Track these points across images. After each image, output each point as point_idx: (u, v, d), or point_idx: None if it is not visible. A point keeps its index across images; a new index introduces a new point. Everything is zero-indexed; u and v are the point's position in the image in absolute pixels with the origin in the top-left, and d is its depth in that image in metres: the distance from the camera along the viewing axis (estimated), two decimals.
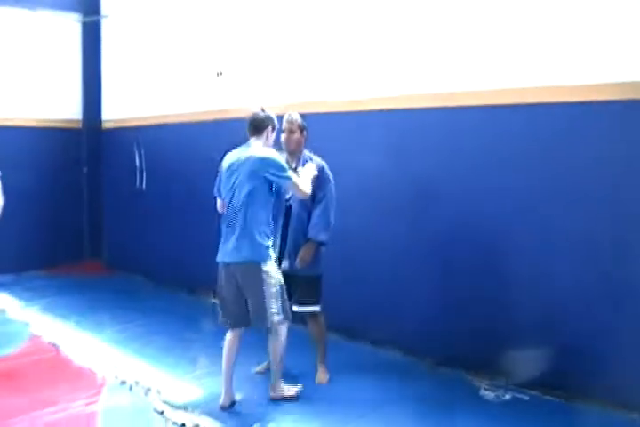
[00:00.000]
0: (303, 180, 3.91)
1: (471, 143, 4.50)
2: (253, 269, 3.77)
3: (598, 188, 3.91)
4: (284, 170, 3.79)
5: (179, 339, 5.21)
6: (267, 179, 3.76)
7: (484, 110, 4.41)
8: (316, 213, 4.19)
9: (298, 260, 4.19)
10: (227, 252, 3.85)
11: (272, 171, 3.76)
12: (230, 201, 3.86)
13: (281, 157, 3.93)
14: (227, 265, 3.88)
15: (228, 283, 3.89)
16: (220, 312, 4.00)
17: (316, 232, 4.18)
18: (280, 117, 4.21)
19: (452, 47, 4.58)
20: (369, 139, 5.10)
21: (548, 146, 4.12)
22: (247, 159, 3.80)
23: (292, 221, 4.24)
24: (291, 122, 4.25)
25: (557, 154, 4.07)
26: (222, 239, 3.92)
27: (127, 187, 7.71)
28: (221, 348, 3.97)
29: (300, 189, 3.85)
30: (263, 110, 4.00)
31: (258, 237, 3.77)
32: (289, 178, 3.79)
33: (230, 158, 3.94)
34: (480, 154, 4.44)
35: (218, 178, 4.05)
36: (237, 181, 3.82)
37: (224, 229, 3.92)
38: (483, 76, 4.42)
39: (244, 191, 3.77)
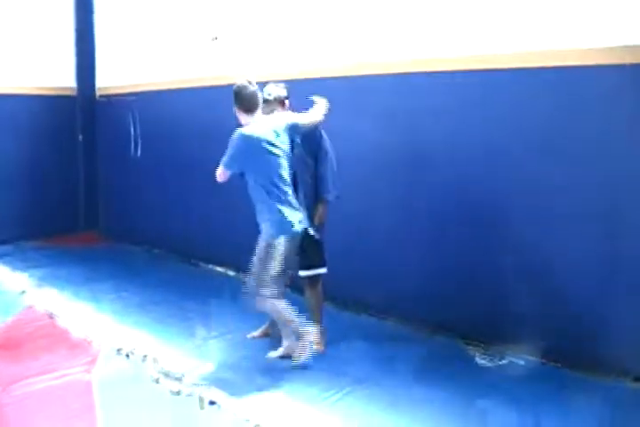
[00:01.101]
0: (315, 112, 4.16)
1: (468, 109, 4.44)
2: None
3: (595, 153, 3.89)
4: (299, 124, 4.07)
5: (176, 308, 5.18)
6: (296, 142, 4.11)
7: (479, 74, 4.35)
8: (321, 171, 4.24)
9: (317, 223, 4.26)
10: (299, 221, 4.02)
11: (298, 130, 4.08)
12: (279, 173, 3.94)
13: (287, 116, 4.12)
14: (296, 235, 4.01)
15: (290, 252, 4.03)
16: (279, 282, 4.03)
17: (329, 189, 4.27)
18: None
19: (449, 10, 4.49)
20: (364, 105, 5.03)
21: (547, 111, 4.05)
22: (279, 131, 3.97)
23: (301, 186, 4.24)
24: (268, 94, 4.22)
25: (557, 119, 4.01)
26: (285, 210, 3.95)
27: (122, 154, 7.62)
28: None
29: (318, 120, 4.16)
30: (251, 83, 3.98)
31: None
32: (305, 124, 4.09)
33: (260, 132, 3.92)
34: (478, 119, 4.38)
35: (236, 151, 3.95)
36: (283, 153, 3.97)
37: (285, 199, 3.96)
38: (476, 40, 4.35)
39: (288, 162, 4.01)
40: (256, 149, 3.89)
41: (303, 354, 4.00)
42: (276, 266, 3.95)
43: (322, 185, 4.25)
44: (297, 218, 3.97)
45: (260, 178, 3.93)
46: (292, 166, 4.05)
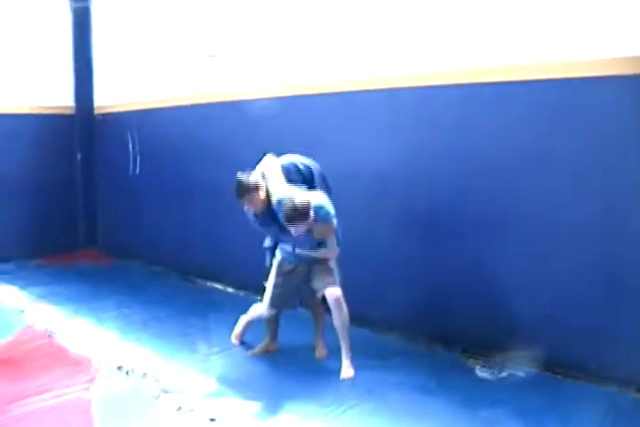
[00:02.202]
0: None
1: (459, 121, 4.46)
2: None
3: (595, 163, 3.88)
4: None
5: (177, 324, 5.16)
6: None
7: (474, 88, 4.37)
8: None
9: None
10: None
11: None
12: None
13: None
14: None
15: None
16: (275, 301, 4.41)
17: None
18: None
19: (442, 25, 4.52)
20: (357, 120, 5.06)
21: (545, 124, 4.06)
22: None
23: None
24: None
25: (556, 131, 4.02)
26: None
27: (121, 173, 7.63)
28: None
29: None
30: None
31: None
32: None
33: None
34: (475, 132, 4.40)
35: None
36: None
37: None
38: (470, 54, 4.38)
39: None
40: None
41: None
42: (270, 283, 4.30)
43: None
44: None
45: None
46: None
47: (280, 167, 4.19)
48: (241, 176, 4.11)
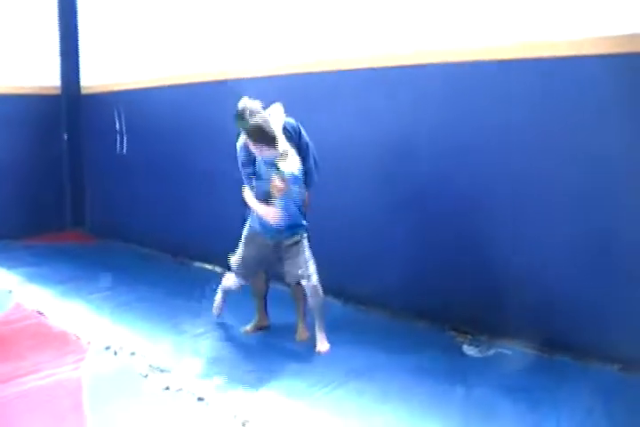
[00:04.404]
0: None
1: (452, 102, 4.46)
2: None
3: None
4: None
5: (164, 305, 5.18)
6: None
7: (462, 66, 4.37)
8: (307, 166, 4.22)
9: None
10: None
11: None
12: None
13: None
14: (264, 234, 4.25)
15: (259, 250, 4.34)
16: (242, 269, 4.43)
17: (313, 183, 4.30)
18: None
19: (432, 2, 4.50)
20: (343, 100, 5.07)
21: (534, 104, 4.07)
22: None
23: None
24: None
25: (546, 111, 4.03)
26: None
27: (109, 152, 7.59)
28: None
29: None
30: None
31: None
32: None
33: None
34: (462, 112, 4.41)
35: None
36: None
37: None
38: (459, 32, 4.37)
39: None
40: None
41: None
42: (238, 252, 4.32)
43: (308, 178, 4.24)
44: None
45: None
46: None
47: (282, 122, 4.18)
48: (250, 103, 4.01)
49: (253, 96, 3.95)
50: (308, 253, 4.23)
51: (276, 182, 3.94)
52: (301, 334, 4.45)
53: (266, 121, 3.87)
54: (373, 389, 3.65)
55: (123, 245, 7.52)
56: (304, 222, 4.25)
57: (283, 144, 3.99)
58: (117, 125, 7.39)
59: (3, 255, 6.89)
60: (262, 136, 3.85)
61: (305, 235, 4.25)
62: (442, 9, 4.45)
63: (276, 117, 4.12)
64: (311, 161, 4.27)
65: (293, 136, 4.20)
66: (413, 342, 4.33)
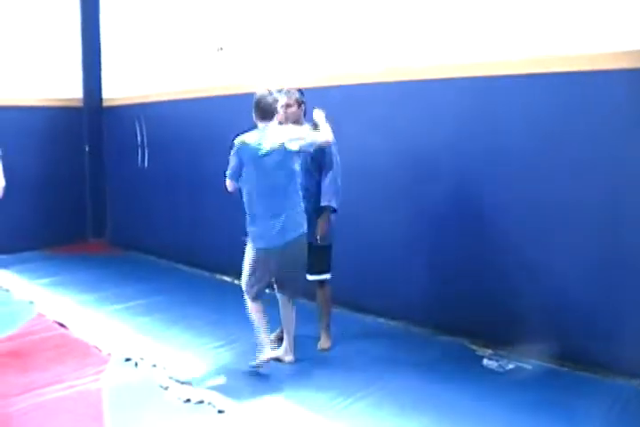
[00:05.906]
0: (322, 130, 4.09)
1: (471, 115, 4.47)
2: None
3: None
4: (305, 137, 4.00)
5: (184, 317, 5.20)
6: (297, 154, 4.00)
7: (482, 81, 4.38)
8: (325, 181, 4.25)
9: (319, 236, 4.26)
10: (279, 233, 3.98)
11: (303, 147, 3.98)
12: (258, 186, 3.94)
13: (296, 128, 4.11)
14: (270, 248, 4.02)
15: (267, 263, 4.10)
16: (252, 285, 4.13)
17: (329, 199, 4.25)
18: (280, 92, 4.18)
19: (449, 17, 4.53)
20: (364, 113, 5.08)
21: (551, 117, 4.07)
22: (275, 142, 3.92)
23: (305, 195, 4.21)
24: (288, 97, 4.27)
25: (563, 125, 4.02)
26: (255, 227, 4.02)
27: (129, 165, 7.67)
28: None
29: (326, 139, 4.05)
30: (271, 93, 4.00)
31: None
32: (314, 141, 4.00)
33: (250, 141, 3.96)
34: (481, 125, 4.42)
35: (230, 159, 4.05)
36: (272, 165, 3.92)
37: (260, 214, 3.98)
38: (478, 47, 4.40)
39: (280, 173, 3.94)
40: (244, 158, 3.96)
41: (257, 360, 4.02)
42: (246, 268, 4.08)
43: (322, 194, 4.26)
44: (273, 231, 3.94)
45: (244, 187, 4.03)
46: (293, 176, 4.02)
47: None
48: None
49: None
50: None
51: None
52: (323, 343, 4.44)
53: (263, 95, 3.95)
54: (392, 402, 3.64)
55: (143, 257, 7.57)
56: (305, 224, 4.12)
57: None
58: (139, 138, 7.45)
59: (24, 266, 6.97)
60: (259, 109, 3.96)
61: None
62: (457, 24, 4.47)
63: (316, 117, 4.18)
64: (330, 182, 4.25)
65: (319, 153, 4.22)
66: (433, 355, 4.32)
